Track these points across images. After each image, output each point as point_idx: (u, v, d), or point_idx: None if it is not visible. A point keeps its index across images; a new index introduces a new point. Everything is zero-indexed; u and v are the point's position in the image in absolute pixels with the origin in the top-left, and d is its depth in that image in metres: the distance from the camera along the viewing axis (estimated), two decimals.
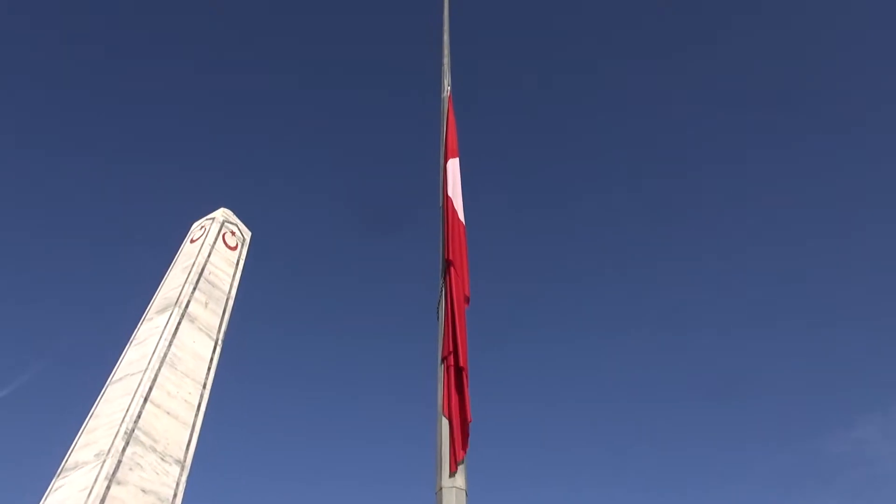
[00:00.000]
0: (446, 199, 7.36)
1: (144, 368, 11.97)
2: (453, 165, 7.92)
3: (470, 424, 5.29)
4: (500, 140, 42.49)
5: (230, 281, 15.02)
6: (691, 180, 40.98)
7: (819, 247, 37.63)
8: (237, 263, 15.52)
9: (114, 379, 12.38)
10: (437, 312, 6.33)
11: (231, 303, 14.68)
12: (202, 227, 15.78)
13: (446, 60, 9.85)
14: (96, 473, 10.23)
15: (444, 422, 5.36)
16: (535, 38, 42.25)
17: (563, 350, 40.87)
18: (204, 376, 12.87)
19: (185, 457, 11.56)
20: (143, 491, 10.52)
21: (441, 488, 5.17)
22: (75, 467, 10.70)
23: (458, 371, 5.53)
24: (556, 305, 42.29)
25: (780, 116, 38.18)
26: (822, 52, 37.65)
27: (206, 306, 13.93)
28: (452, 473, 5.01)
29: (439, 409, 5.49)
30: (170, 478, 11.07)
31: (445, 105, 8.96)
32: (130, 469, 10.50)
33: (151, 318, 13.53)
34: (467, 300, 6.36)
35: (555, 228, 42.82)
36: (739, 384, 36.64)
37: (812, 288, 38.06)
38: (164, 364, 12.18)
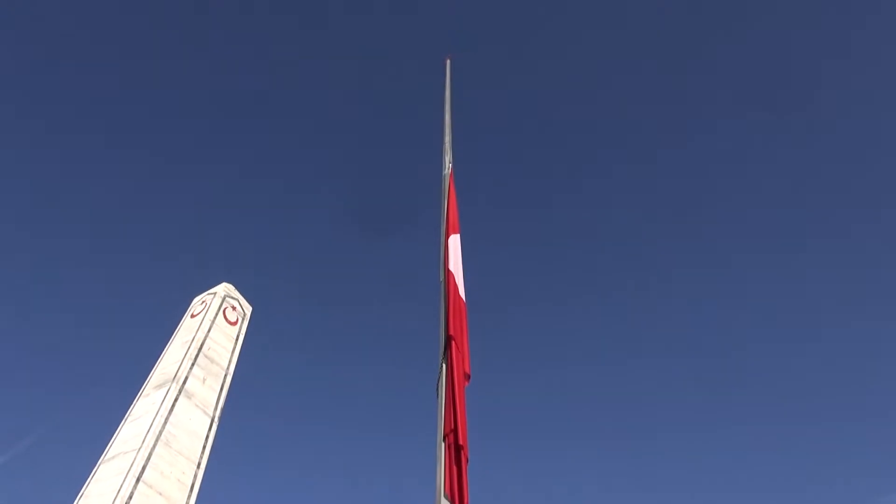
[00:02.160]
0: (447, 274, 7.36)
1: (139, 447, 11.72)
2: (454, 242, 7.96)
3: None
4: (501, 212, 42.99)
5: (229, 356, 14.89)
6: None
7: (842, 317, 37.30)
8: (237, 339, 15.43)
9: (107, 457, 12.10)
10: (437, 389, 6.22)
11: (230, 379, 14.51)
12: (203, 301, 15.76)
13: (448, 139, 10.03)
14: None
15: (444, 502, 5.19)
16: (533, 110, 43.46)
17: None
18: (199, 455, 12.59)
19: None
20: None
21: None
22: None
23: (458, 450, 5.39)
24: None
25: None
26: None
27: (204, 382, 13.75)
28: None
29: (438, 488, 5.32)
30: None
31: (447, 182, 9.07)
32: None
33: (148, 394, 13.34)
34: (467, 377, 6.26)
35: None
36: (758, 464, 35.77)
37: (832, 361, 37.59)
38: (159, 442, 11.93)
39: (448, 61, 12.14)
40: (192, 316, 15.40)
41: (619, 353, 40.53)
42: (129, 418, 12.96)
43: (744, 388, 37.54)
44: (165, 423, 12.30)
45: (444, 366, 6.35)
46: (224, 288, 16.03)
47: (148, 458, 11.55)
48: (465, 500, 5.10)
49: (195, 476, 12.19)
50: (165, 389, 13.03)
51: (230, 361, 14.79)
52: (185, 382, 13.29)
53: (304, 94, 42.49)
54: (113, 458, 11.92)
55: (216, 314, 15.18)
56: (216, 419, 13.48)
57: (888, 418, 33.25)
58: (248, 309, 16.26)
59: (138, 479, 11.16)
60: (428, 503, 5.48)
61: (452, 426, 5.59)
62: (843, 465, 34.28)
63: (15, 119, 38.25)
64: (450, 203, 8.56)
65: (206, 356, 14.20)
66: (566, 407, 40.11)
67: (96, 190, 40.79)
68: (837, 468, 34.63)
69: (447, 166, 9.46)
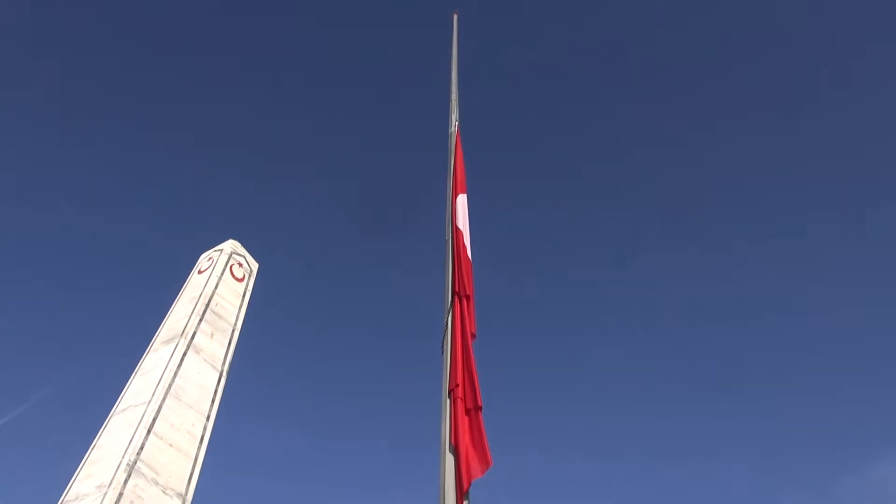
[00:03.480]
0: (456, 231, 7.40)
1: (149, 399, 11.94)
2: (462, 201, 7.98)
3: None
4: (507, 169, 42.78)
5: (237, 312, 15.04)
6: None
7: (835, 278, 37.59)
8: (244, 295, 15.56)
9: (118, 409, 12.34)
10: (443, 345, 6.31)
11: (237, 334, 14.69)
12: (210, 258, 15.86)
13: (454, 96, 9.95)
14: None
15: (449, 457, 5.31)
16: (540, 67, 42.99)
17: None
18: (208, 408, 12.83)
19: (187, 490, 11.46)
20: None
21: None
22: (76, 499, 10.61)
23: (474, 409, 5.50)
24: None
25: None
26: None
27: (211, 337, 13.93)
28: None
29: (443, 442, 5.43)
30: None
31: (453, 140, 9.04)
32: (131, 502, 10.41)
33: (157, 349, 13.53)
34: (473, 336, 6.35)
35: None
36: (749, 421, 36.25)
37: (826, 323, 37.84)
38: (169, 395, 12.15)
39: (455, 16, 11.98)
40: (200, 272, 15.52)
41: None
42: (139, 372, 13.17)
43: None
44: (175, 376, 12.51)
45: (449, 322, 6.43)
46: (231, 245, 16.12)
47: (158, 411, 11.77)
48: (488, 459, 5.20)
49: (205, 428, 12.44)
50: (174, 344, 13.22)
51: (237, 317, 14.95)
52: (193, 337, 13.46)
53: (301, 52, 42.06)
54: (124, 410, 12.16)
55: (223, 270, 15.30)
56: (224, 373, 13.69)
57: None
58: (255, 265, 16.36)
59: (149, 431, 11.40)
60: (433, 460, 5.60)
61: (458, 381, 5.69)
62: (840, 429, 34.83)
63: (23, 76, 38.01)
64: (457, 162, 8.55)
65: (213, 312, 14.35)
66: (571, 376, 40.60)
67: (105, 150, 40.71)
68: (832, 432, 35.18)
69: (453, 124, 9.42)
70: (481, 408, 5.52)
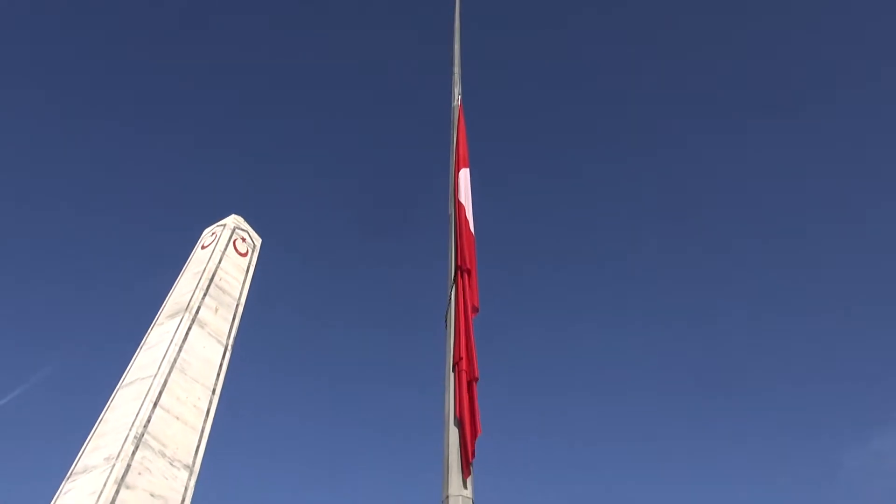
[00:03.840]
0: (458, 206, 7.40)
1: (155, 373, 12.05)
2: (464, 175, 7.97)
3: (478, 437, 5.29)
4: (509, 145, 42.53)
5: (240, 287, 15.10)
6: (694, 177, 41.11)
7: (830, 254, 37.57)
8: (247, 269, 15.61)
9: (124, 383, 12.46)
10: (446, 319, 6.35)
11: (241, 308, 14.76)
12: (213, 233, 15.89)
13: (457, 69, 9.89)
14: (105, 477, 10.29)
15: (453, 430, 5.36)
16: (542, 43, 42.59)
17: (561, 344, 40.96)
18: (213, 381, 12.94)
19: (194, 462, 11.62)
20: (152, 495, 10.58)
21: (448, 496, 5.16)
22: (84, 471, 10.77)
23: (472, 381, 5.56)
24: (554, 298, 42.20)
25: (778, 114, 38.39)
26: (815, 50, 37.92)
27: (216, 312, 14.01)
28: (465, 480, 5.01)
29: (447, 416, 5.49)
30: (178, 482, 11.12)
31: (456, 114, 9.00)
32: (139, 473, 10.56)
33: (162, 323, 13.62)
34: (476, 310, 6.39)
35: (557, 224, 42.90)
36: (750, 395, 36.40)
37: (824, 295, 37.86)
38: (174, 369, 12.26)
39: None
40: (203, 247, 15.55)
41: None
42: (145, 346, 13.26)
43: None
44: (180, 350, 12.60)
45: (453, 296, 6.46)
46: (233, 220, 16.12)
47: (164, 384, 11.88)
48: (478, 428, 5.28)
49: (210, 402, 12.56)
50: (179, 318, 13.29)
51: (241, 292, 15.00)
52: (197, 312, 13.53)
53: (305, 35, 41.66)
54: (130, 383, 12.27)
55: (226, 245, 15.32)
56: (229, 347, 13.79)
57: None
58: (258, 241, 16.38)
59: (155, 404, 11.52)
60: (437, 430, 5.66)
61: (462, 354, 5.74)
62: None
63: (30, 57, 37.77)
64: (459, 136, 8.53)
65: (217, 286, 14.40)
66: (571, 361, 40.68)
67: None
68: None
69: (456, 98, 9.38)
70: (477, 379, 5.59)
